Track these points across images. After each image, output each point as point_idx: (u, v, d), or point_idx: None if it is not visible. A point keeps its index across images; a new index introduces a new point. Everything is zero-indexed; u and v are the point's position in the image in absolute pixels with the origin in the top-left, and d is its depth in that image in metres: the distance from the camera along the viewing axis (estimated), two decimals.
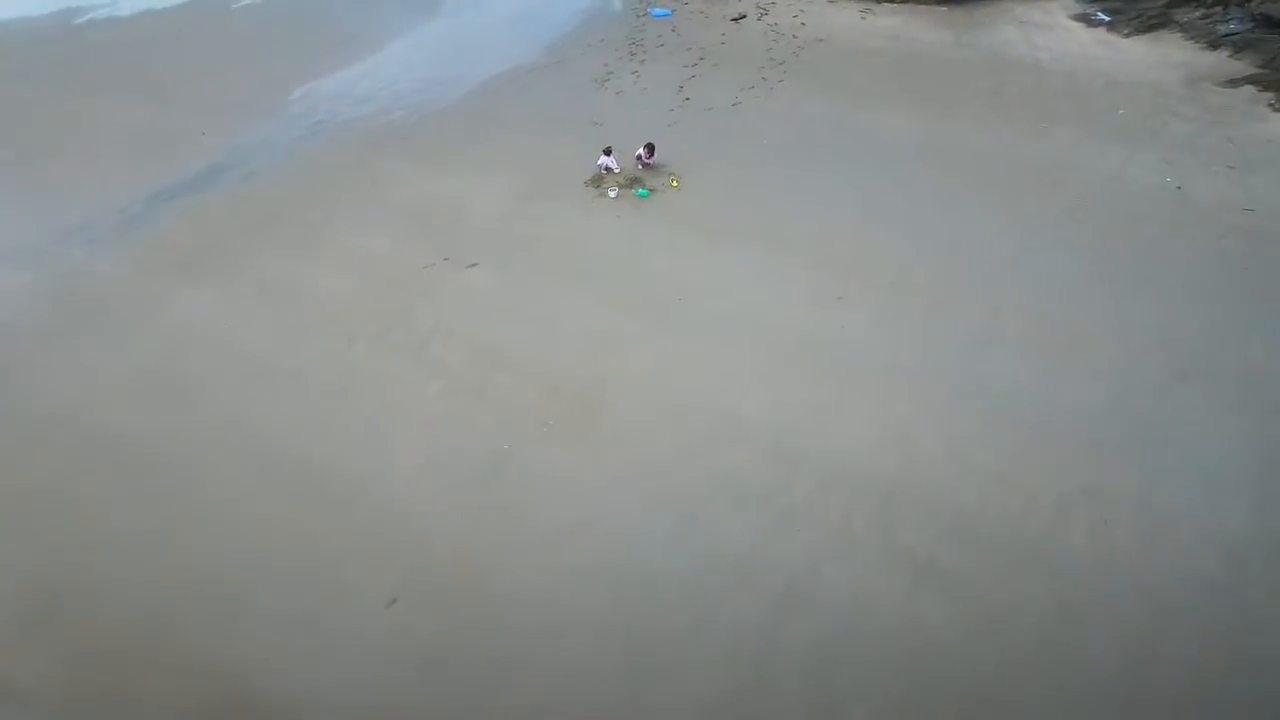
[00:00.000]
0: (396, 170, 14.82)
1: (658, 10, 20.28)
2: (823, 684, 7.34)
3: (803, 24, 19.09)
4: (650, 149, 13.77)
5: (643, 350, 10.52)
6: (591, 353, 10.54)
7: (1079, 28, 18.19)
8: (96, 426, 10.13)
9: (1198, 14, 17.49)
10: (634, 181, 13.57)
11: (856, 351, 10.28)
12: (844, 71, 16.83)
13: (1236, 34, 16.68)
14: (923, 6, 19.50)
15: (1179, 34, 17.27)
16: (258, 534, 8.82)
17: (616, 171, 13.71)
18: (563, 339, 10.76)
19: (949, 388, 9.75)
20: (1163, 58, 16.55)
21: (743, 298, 11.19)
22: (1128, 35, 17.52)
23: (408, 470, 9.30)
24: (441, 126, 16.20)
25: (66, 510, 9.20)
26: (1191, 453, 8.86)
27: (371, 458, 9.47)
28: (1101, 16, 18.25)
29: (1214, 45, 16.69)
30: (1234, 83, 15.47)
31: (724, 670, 7.49)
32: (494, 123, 16.07)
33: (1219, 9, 17.39)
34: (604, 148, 13.79)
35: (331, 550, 8.61)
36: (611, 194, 13.43)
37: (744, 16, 19.64)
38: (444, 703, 7.49)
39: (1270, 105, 14.75)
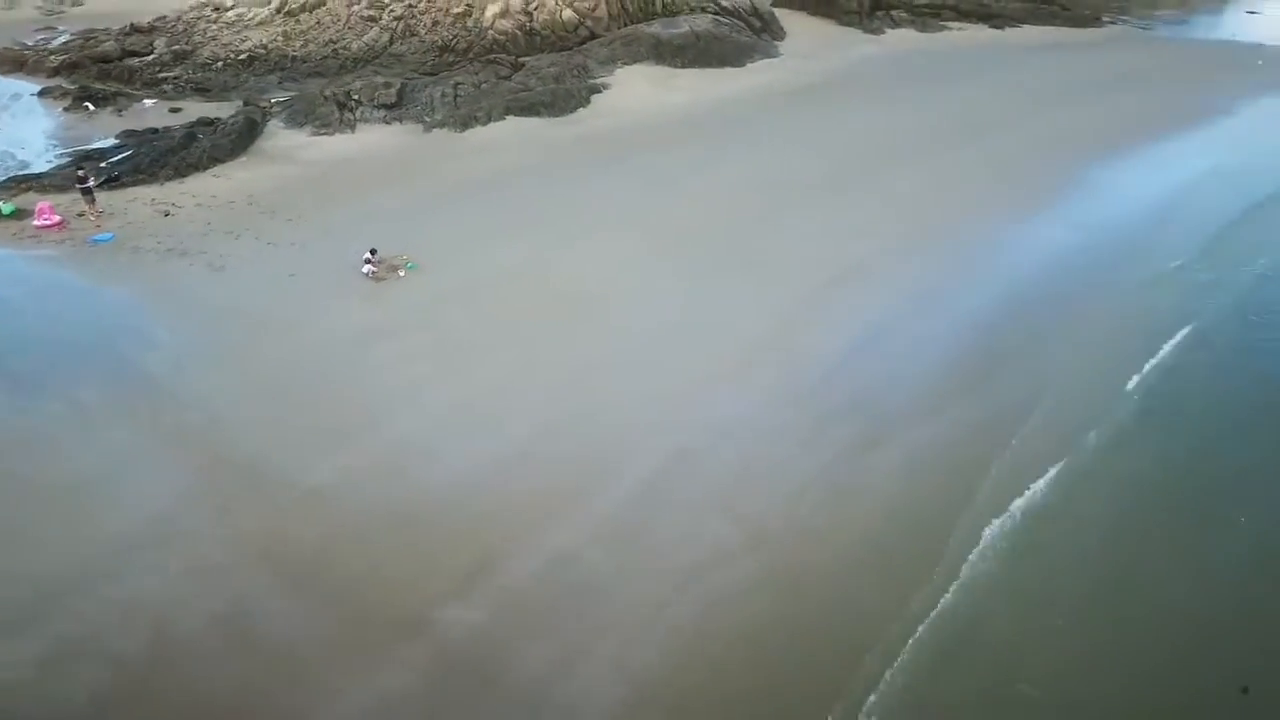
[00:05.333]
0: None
1: (99, 237, 22.14)
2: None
3: (213, 194, 25.05)
4: (373, 252, 21.11)
5: (534, 278, 20.94)
6: (535, 302, 20.34)
7: (381, 127, 30.89)
8: None
9: (350, 114, 31.99)
10: (396, 267, 20.99)
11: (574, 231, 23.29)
12: (310, 193, 25.20)
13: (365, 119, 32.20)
14: (239, 161, 27.75)
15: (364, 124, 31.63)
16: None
17: (377, 268, 20.74)
18: (517, 311, 20.05)
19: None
20: (385, 134, 30.83)
21: (519, 257, 22.17)
22: (390, 123, 30.83)
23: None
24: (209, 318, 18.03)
25: None
26: None
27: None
28: (380, 117, 30.72)
29: (387, 122, 31.81)
30: (428, 128, 31.38)
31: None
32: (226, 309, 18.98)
33: (353, 107, 32.24)
34: (363, 257, 20.51)
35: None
36: (401, 273, 20.73)
37: (169, 214, 23.92)
38: None
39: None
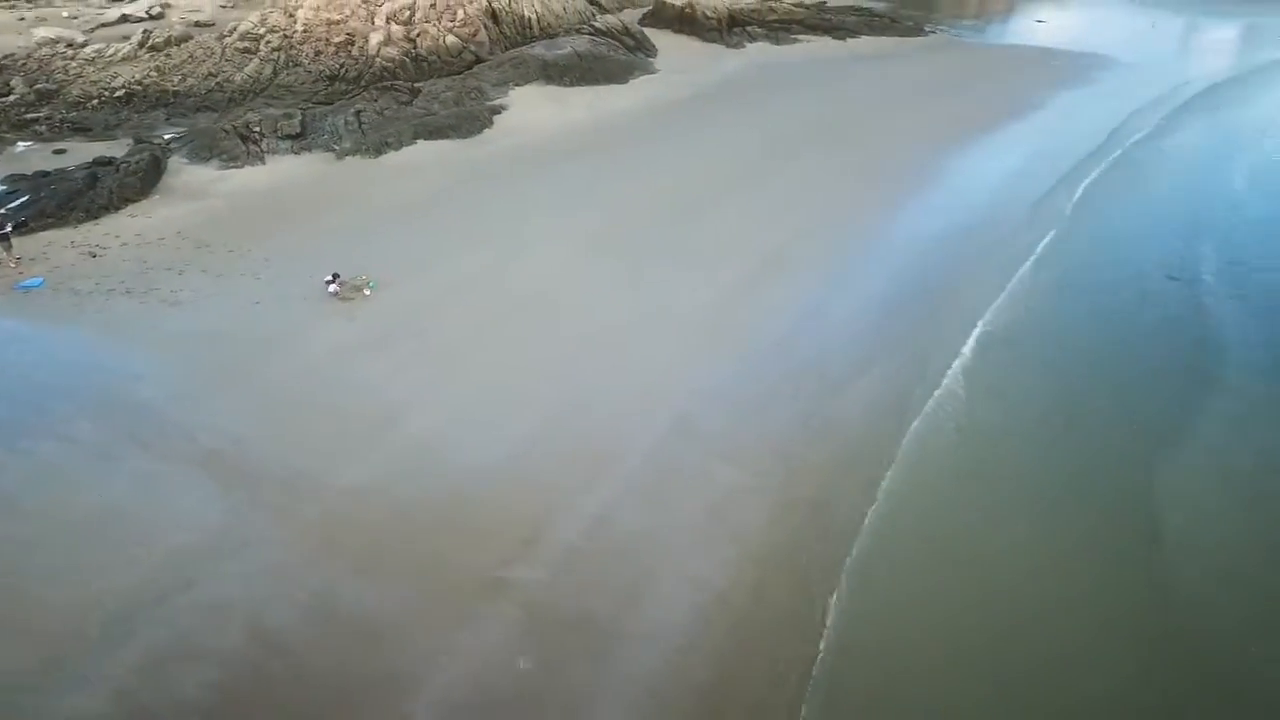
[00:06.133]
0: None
1: (27, 283, 21.36)
2: None
3: (137, 233, 24.55)
4: (335, 275, 21.77)
5: (493, 286, 22.40)
6: (502, 308, 21.85)
7: (291, 157, 30.58)
8: None
9: (256, 146, 31.80)
10: (359, 287, 21.73)
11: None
12: (241, 225, 25.17)
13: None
14: (152, 200, 27.13)
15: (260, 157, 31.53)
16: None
17: (341, 288, 21.44)
18: (488, 306, 21.51)
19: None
20: (297, 164, 30.91)
21: (474, 269, 23.54)
22: (299, 153, 30.69)
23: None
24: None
25: None
26: None
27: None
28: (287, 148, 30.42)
29: (296, 152, 31.84)
30: (340, 154, 31.72)
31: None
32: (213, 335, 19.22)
33: (257, 139, 32.03)
34: (325, 280, 21.18)
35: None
36: (366, 292, 21.52)
37: (96, 255, 23.28)
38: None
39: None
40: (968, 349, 20.70)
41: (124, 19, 47.74)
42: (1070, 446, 17.63)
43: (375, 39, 41.55)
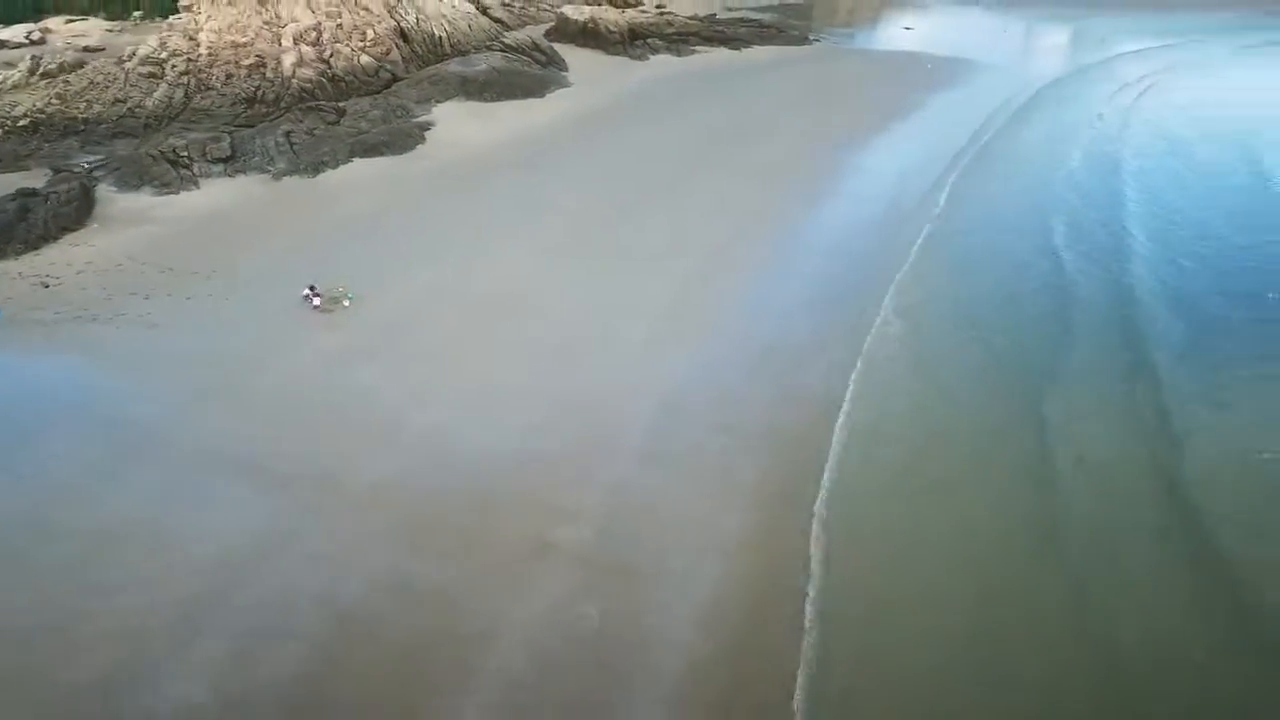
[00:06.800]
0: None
1: None
2: None
3: (88, 261, 24.13)
4: (313, 288, 22.29)
5: (467, 290, 23.59)
6: (480, 310, 23.08)
7: (225, 180, 30.18)
8: None
9: (188, 171, 31.38)
10: (337, 299, 22.33)
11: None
12: (194, 248, 25.11)
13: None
14: (91, 228, 26.53)
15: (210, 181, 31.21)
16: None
17: (321, 299, 22.01)
18: (465, 308, 22.66)
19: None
20: (233, 187, 30.74)
21: (443, 276, 24.56)
22: (233, 175, 30.36)
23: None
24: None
25: None
26: None
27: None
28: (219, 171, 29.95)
29: (229, 175, 31.61)
30: (276, 177, 31.70)
31: None
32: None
33: (187, 163, 31.58)
34: (303, 293, 21.77)
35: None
36: (345, 303, 22.17)
37: (49, 285, 22.79)
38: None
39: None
40: (886, 313, 23.33)
41: (1, 45, 45.19)
42: (972, 380, 20.66)
43: (288, 60, 41.34)
